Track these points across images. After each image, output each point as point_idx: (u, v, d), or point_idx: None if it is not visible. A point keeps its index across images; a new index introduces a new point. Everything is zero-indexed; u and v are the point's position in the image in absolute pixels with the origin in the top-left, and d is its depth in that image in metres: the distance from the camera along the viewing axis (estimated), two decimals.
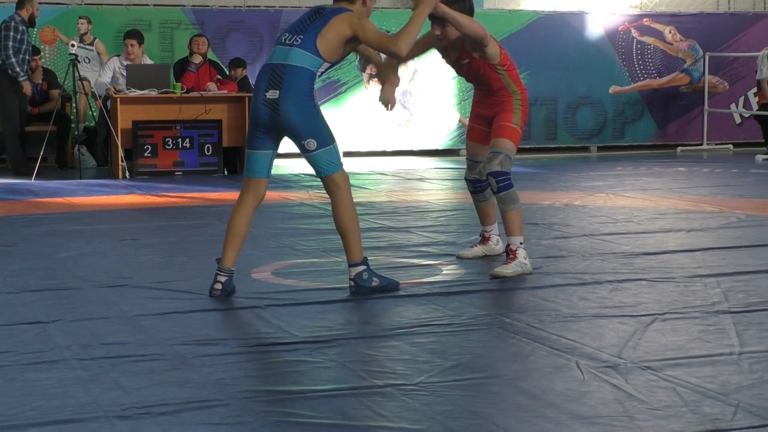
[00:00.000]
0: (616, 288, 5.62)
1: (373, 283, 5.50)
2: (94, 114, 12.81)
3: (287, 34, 5.47)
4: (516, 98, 6.16)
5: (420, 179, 11.66)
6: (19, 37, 12.00)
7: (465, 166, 6.56)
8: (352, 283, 5.51)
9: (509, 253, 5.98)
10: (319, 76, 5.46)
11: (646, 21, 15.74)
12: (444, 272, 6.13)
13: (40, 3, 14.17)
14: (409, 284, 5.77)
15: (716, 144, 15.73)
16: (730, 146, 15.79)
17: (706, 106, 15.57)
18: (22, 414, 3.59)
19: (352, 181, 5.71)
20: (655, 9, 16.45)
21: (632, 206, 9.01)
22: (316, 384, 3.97)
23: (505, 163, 6.02)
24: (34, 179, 11.50)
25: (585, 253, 6.70)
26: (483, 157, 6.33)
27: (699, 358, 4.23)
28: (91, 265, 6.43)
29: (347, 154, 13.89)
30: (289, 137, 5.48)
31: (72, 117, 13.08)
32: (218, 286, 5.46)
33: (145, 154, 11.77)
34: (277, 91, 5.35)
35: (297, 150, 5.53)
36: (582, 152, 15.50)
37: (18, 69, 11.92)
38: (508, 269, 5.91)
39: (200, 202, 9.68)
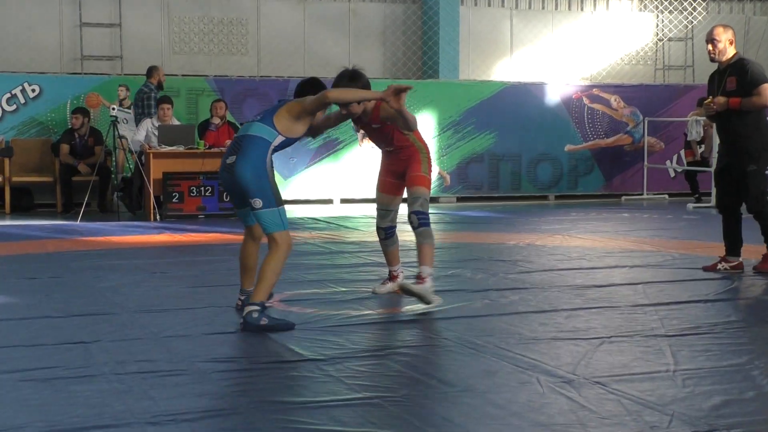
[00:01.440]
0: (571, 315, 5.61)
1: (262, 322, 5.17)
2: (131, 166, 12.80)
3: (253, 116, 5.53)
4: (422, 152, 6.09)
5: (405, 222, 11.62)
6: (154, 103, 12.28)
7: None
8: (243, 320, 5.23)
9: (419, 280, 5.80)
10: (276, 150, 5.36)
11: (595, 91, 15.82)
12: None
13: (87, 73, 14.27)
14: (395, 311, 5.75)
15: (654, 194, 15.76)
16: (666, 196, 15.82)
17: (645, 162, 15.62)
18: (67, 420, 3.57)
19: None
20: (602, 81, 16.55)
21: (584, 246, 9.01)
22: (316, 396, 3.94)
23: (425, 205, 5.98)
24: (79, 221, 11.47)
25: (544, 285, 6.70)
26: (393, 206, 6.30)
27: (640, 375, 4.22)
28: (126, 293, 6.40)
29: (344, 200, 13.91)
30: (243, 196, 5.35)
31: (112, 169, 13.07)
32: (238, 302, 5.77)
33: (173, 200, 11.76)
34: (234, 157, 5.32)
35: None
36: (542, 200, 15.51)
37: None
38: (416, 287, 5.72)
39: (219, 240, 9.65)
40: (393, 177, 6.24)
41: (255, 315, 5.19)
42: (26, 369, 4.31)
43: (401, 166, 6.14)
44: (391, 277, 6.41)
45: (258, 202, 5.27)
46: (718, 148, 7.54)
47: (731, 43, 7.14)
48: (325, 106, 5.45)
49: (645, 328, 5.23)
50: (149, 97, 12.52)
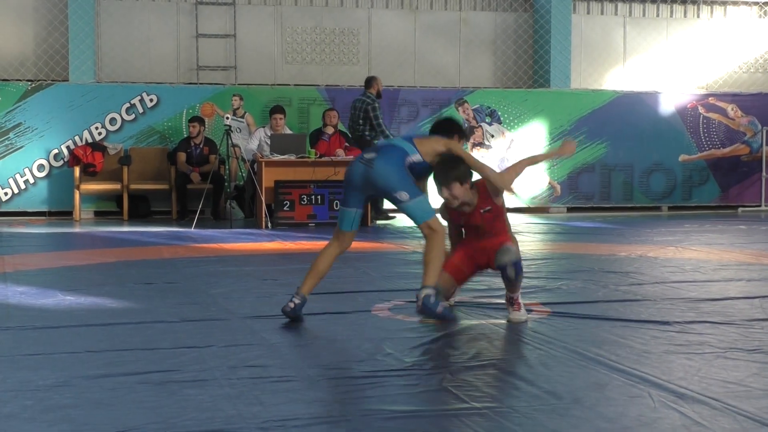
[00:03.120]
0: (684, 329, 5.49)
1: (438, 309, 5.29)
2: (243, 174, 13.05)
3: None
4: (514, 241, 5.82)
5: (515, 233, 11.55)
6: (378, 113, 12.45)
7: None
8: (419, 303, 5.32)
9: (516, 305, 5.71)
10: (409, 167, 5.41)
11: (711, 99, 15.48)
12: (533, 311, 6.07)
13: (202, 83, 14.60)
14: (503, 322, 5.72)
15: None
16: None
17: (764, 173, 15.21)
18: (180, 423, 3.65)
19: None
20: (719, 89, 16.19)
21: (698, 258, 8.81)
22: (425, 405, 3.95)
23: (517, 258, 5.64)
24: (194, 228, 11.73)
25: (656, 297, 6.57)
26: (449, 292, 5.79)
27: (757, 391, 4.11)
28: (238, 300, 6.51)
29: None
30: (379, 193, 5.40)
31: (225, 177, 13.34)
32: (291, 304, 5.59)
33: (284, 208, 11.94)
34: (375, 154, 5.40)
35: None
36: (654, 211, 15.24)
37: (388, 134, 12.38)
38: (522, 315, 5.69)
39: None
40: (471, 267, 5.84)
41: (433, 300, 5.28)
42: (143, 372, 4.43)
43: (486, 258, 5.74)
44: None
45: (404, 195, 5.33)
46: None
47: None
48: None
49: (762, 343, 5.08)
50: (374, 108, 12.45)
